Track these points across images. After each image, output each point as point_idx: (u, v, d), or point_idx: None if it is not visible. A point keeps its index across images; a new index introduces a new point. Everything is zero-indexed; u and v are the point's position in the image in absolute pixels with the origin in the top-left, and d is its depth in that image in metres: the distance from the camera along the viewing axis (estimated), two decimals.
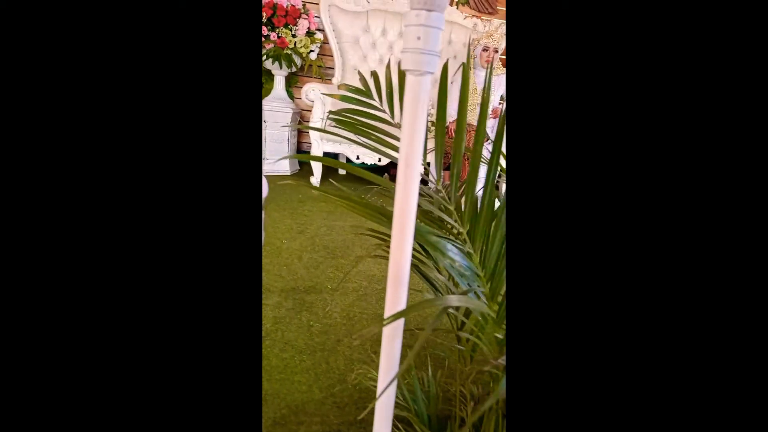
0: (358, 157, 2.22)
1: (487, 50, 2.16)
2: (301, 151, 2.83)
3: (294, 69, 2.37)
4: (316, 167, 2.23)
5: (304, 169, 2.62)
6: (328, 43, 2.51)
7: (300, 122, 2.70)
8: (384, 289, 1.12)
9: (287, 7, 2.17)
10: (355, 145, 2.19)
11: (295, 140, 2.58)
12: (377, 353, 0.85)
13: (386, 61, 2.58)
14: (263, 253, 1.27)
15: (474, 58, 2.23)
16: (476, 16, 2.66)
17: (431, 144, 0.47)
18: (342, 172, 2.75)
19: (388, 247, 0.42)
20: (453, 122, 2.14)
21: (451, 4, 2.63)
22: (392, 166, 2.54)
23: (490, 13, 2.72)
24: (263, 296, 1.02)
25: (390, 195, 0.39)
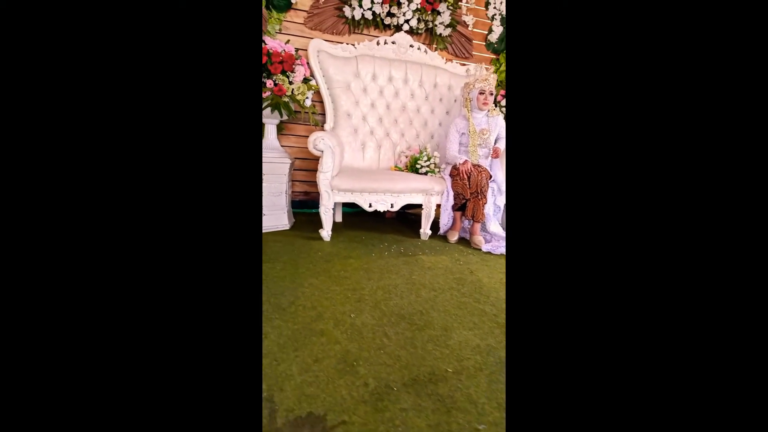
0: (370, 205, 2.11)
1: (483, 93, 2.24)
2: (294, 203, 2.62)
3: (289, 116, 2.22)
4: (326, 220, 2.06)
5: (299, 222, 2.42)
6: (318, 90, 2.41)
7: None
8: (501, 361, 1.01)
9: (282, 53, 2.04)
10: (366, 194, 2.08)
11: (290, 191, 2.38)
12: None
13: (377, 106, 2.56)
14: (342, 336, 1.09)
15: (471, 101, 2.30)
16: (449, 60, 2.78)
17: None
18: (338, 220, 2.60)
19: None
20: (463, 164, 2.15)
21: (432, 50, 2.73)
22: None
23: (465, 58, 2.88)
24: (391, 396, 0.85)
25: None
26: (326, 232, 2.07)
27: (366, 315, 1.23)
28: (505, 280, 1.63)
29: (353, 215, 2.78)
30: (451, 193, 2.20)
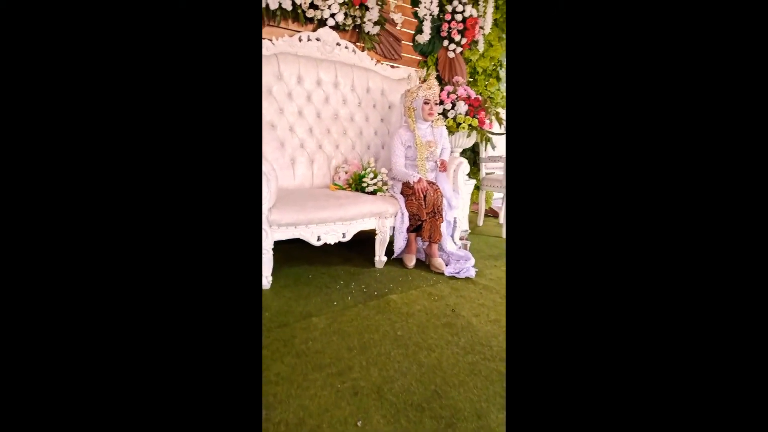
0: (319, 239, 1.75)
1: (428, 103, 2.06)
2: None
3: None
4: (265, 263, 1.64)
5: None
6: None
7: None
8: None
9: None
10: (314, 226, 1.72)
11: None
12: None
13: (306, 114, 2.18)
14: None
15: (415, 110, 2.10)
16: (379, 62, 2.54)
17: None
18: None
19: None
20: (418, 182, 1.95)
21: (362, 50, 2.43)
22: None
23: (394, 60, 2.65)
24: None
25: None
26: (266, 280, 1.65)
27: (376, 417, 0.92)
28: (491, 317, 1.48)
29: (279, 243, 2.35)
30: (406, 214, 1.98)
